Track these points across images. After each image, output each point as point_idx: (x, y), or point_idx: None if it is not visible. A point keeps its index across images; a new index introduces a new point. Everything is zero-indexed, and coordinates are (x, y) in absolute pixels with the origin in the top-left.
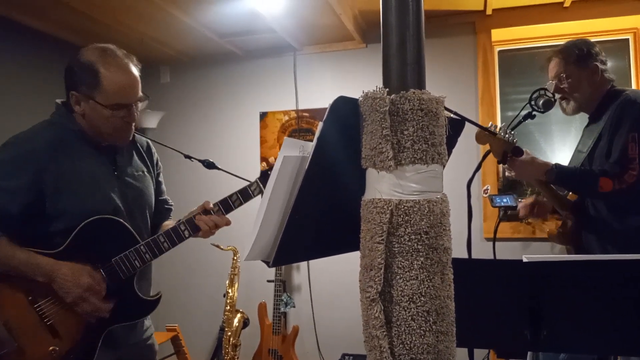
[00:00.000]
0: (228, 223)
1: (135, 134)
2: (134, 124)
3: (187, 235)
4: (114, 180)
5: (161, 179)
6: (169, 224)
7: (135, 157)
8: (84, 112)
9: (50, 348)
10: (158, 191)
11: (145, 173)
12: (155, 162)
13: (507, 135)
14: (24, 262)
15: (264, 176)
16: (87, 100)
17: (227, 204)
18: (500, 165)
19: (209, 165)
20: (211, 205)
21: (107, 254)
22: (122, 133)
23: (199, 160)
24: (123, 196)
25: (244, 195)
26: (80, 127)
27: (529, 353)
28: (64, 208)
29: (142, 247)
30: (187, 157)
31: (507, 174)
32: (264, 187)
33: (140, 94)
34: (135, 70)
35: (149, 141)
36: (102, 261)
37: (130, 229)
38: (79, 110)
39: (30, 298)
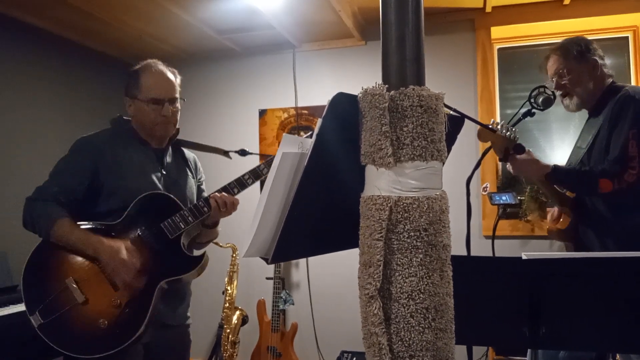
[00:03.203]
0: (235, 201)
1: (184, 149)
2: (172, 121)
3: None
4: (160, 175)
5: (203, 187)
6: None
7: (182, 164)
8: (133, 112)
9: (112, 299)
10: (199, 196)
11: (189, 177)
12: (199, 173)
13: (508, 133)
14: (80, 239)
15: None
16: (133, 100)
17: (241, 182)
18: (500, 163)
19: (243, 152)
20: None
21: (158, 219)
22: (161, 127)
23: (235, 152)
24: (167, 189)
25: (255, 174)
26: (133, 129)
27: (529, 351)
28: (117, 188)
29: (184, 212)
30: (225, 153)
31: (508, 167)
32: None
33: (175, 95)
34: (170, 75)
35: (195, 156)
36: (154, 225)
37: (176, 200)
38: (130, 111)
39: (94, 259)
